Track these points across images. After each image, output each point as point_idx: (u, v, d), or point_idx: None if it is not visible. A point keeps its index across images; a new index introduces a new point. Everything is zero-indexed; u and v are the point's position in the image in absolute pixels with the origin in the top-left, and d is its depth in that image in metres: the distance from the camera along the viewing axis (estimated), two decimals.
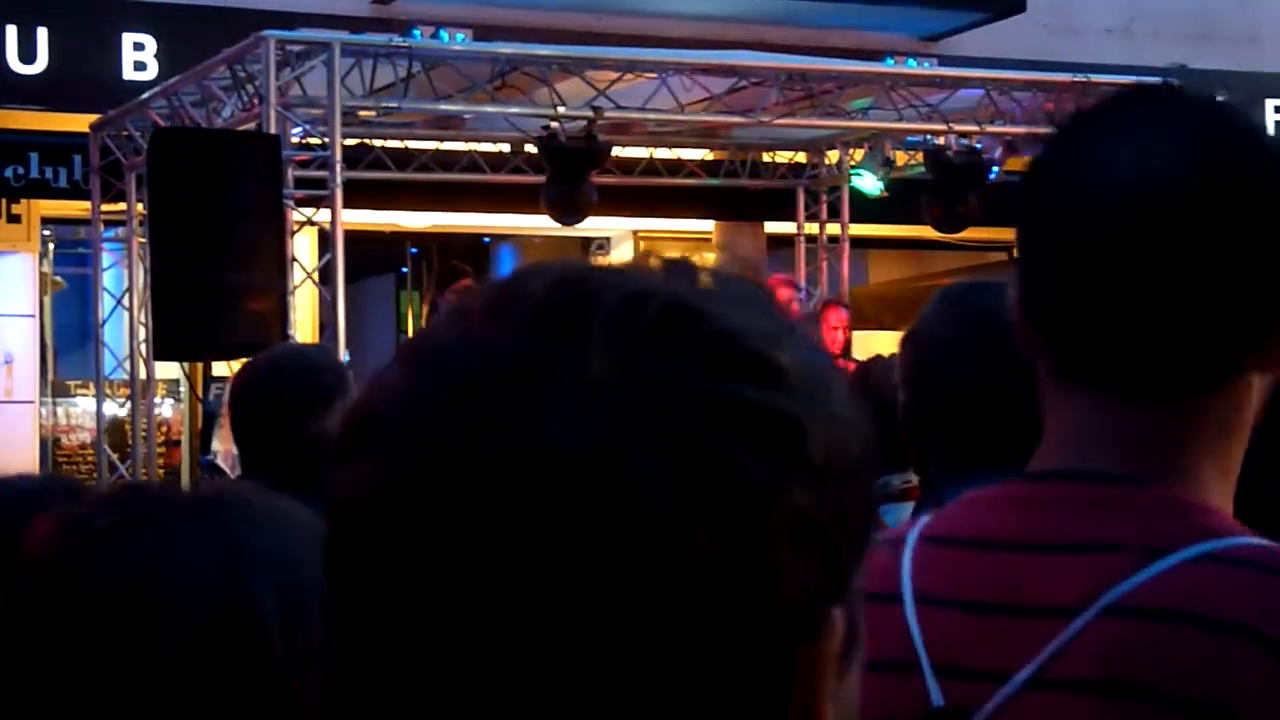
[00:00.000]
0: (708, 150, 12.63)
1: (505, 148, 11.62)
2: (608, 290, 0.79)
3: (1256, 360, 1.33)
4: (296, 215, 8.66)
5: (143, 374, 10.69)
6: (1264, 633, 1.20)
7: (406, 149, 11.62)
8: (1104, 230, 1.32)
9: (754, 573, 0.75)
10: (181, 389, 12.46)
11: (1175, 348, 1.31)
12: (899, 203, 11.69)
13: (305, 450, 3.60)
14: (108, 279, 11.16)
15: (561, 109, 9.62)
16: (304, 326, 11.03)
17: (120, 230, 10.93)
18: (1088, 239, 1.33)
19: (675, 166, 12.46)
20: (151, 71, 11.08)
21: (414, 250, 15.81)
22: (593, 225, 12.09)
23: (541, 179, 10.19)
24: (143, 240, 9.78)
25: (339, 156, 8.58)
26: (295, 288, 8.59)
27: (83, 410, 12.88)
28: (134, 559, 0.92)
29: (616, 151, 11.02)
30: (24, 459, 11.97)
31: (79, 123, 10.83)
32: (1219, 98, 1.39)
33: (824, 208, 12.87)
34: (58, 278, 13.03)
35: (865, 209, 12.31)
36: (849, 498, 0.80)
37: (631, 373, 0.76)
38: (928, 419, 2.43)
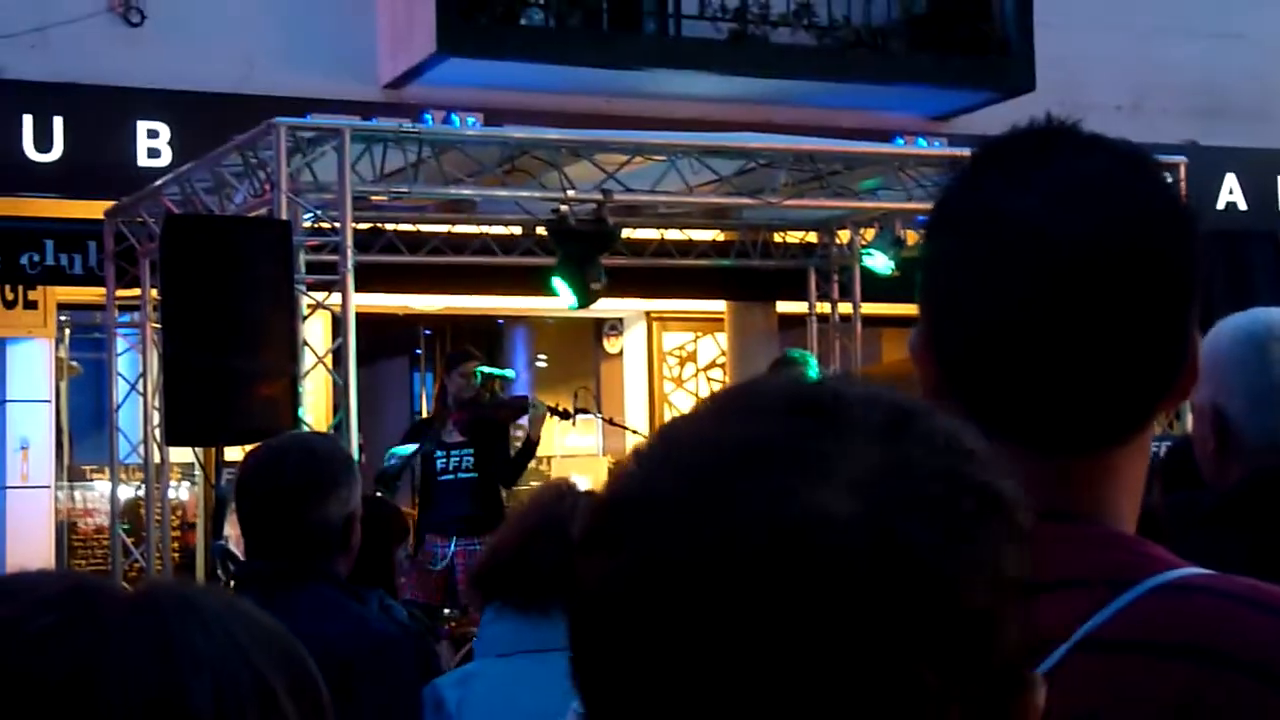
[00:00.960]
0: (718, 231, 12.67)
1: (517, 230, 11.67)
2: (842, 389, 0.92)
3: (1164, 406, 1.35)
4: (308, 299, 8.70)
5: (157, 458, 10.71)
6: (1240, 658, 1.20)
7: (418, 232, 11.67)
8: (1025, 291, 1.31)
9: (996, 626, 0.86)
10: (197, 472, 12.47)
11: (1096, 406, 1.31)
12: (911, 282, 11.67)
13: (307, 538, 3.63)
14: (123, 364, 11.19)
15: (571, 192, 9.66)
16: (318, 410, 11.05)
17: (135, 315, 10.99)
18: (1007, 301, 1.32)
19: (686, 247, 12.49)
20: (165, 158, 11.16)
21: (428, 331, 15.85)
22: (605, 306, 12.12)
23: (553, 261, 10.23)
24: (157, 325, 9.82)
25: (350, 241, 8.62)
26: (307, 372, 8.62)
27: (99, 494, 12.90)
28: (68, 660, 0.92)
29: (627, 233, 11.05)
30: (41, 543, 12.00)
31: (94, 210, 10.90)
32: (1127, 144, 1.38)
33: (835, 287, 12.89)
34: (74, 363, 13.06)
35: (877, 288, 12.31)
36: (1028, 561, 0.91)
37: (882, 454, 0.87)
38: None
